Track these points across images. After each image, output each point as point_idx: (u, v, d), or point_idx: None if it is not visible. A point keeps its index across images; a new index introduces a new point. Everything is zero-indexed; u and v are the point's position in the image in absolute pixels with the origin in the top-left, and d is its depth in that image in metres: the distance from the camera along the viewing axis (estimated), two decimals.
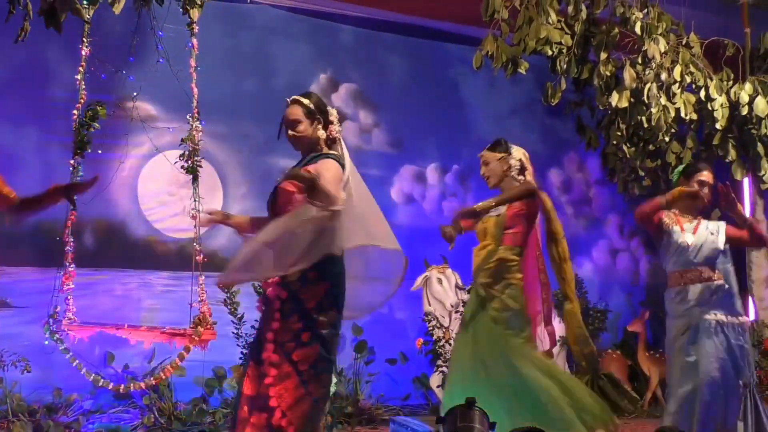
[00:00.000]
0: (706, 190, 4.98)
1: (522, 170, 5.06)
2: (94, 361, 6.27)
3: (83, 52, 6.00)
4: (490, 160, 5.21)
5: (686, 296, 4.90)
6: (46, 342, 5.96)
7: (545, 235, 5.00)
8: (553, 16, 6.63)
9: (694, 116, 7.23)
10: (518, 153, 5.13)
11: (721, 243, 4.91)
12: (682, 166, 5.23)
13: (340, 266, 3.93)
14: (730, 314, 4.86)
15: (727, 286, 4.90)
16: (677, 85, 7.05)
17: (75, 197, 4.01)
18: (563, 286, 5.01)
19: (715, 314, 4.86)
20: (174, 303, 6.86)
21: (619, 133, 7.26)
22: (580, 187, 9.81)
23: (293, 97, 4.24)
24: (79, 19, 5.44)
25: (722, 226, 5.00)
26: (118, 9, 5.50)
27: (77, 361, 5.92)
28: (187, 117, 6.28)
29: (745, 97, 7.28)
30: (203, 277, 6.24)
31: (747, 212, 8.09)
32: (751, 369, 4.87)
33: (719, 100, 7.25)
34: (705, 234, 4.93)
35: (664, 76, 6.97)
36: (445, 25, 8.90)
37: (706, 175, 5.02)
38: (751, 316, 8.06)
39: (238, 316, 6.65)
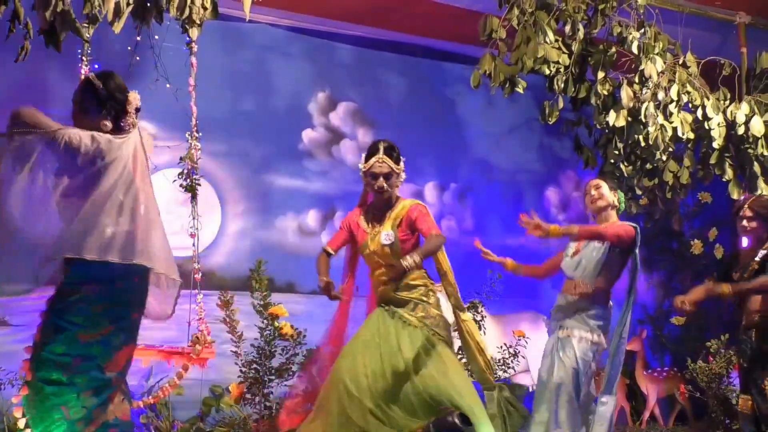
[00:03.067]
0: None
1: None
2: None
3: (83, 71, 6.02)
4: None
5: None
6: None
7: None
8: (551, 36, 6.66)
9: (691, 135, 7.24)
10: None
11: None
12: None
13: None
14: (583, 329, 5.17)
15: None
16: (674, 104, 7.07)
17: None
18: (456, 298, 5.04)
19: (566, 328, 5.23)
20: (172, 321, 6.81)
21: (616, 152, 7.27)
22: (577, 205, 9.82)
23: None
24: (79, 38, 5.46)
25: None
26: (117, 28, 5.51)
27: None
28: (186, 135, 6.29)
29: (741, 117, 7.30)
30: (201, 296, 6.23)
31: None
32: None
33: (716, 120, 7.27)
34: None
35: (661, 95, 7.00)
36: (443, 44, 8.95)
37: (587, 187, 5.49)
38: None
39: (237, 334, 6.64)
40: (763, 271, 5.29)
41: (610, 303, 5.33)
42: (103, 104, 4.06)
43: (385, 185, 4.84)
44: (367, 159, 4.86)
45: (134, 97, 4.15)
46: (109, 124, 4.03)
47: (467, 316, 5.08)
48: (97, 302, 3.82)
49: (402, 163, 4.93)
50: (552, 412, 5.13)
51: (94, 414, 3.79)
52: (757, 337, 5.41)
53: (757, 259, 5.34)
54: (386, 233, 4.82)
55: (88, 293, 3.82)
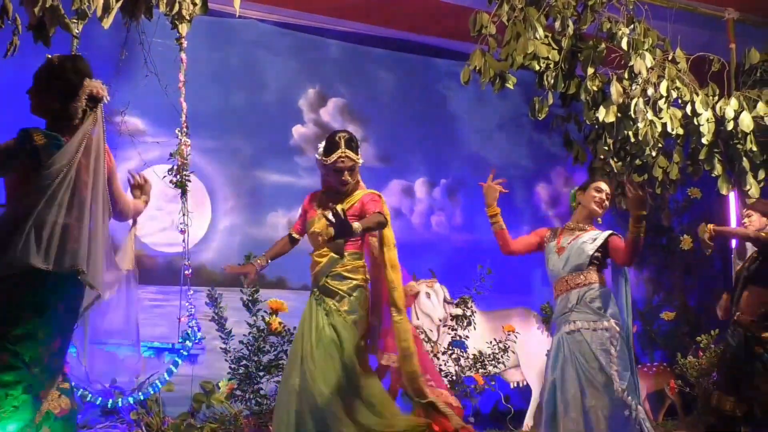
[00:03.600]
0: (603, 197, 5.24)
1: None
2: (80, 377, 6.25)
3: None
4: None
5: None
6: None
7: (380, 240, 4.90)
8: (541, 32, 6.66)
9: (681, 131, 7.26)
10: None
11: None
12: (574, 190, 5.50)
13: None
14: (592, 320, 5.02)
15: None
16: (663, 100, 7.09)
17: None
18: (392, 294, 4.81)
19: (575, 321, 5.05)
20: (162, 317, 6.85)
21: (606, 148, 7.28)
22: (567, 201, 9.83)
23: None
24: (68, 33, 5.44)
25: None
26: (107, 24, 5.49)
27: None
28: (176, 131, 6.28)
29: (730, 113, 7.32)
30: (192, 292, 6.22)
31: (733, 227, 8.15)
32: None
33: (705, 116, 7.28)
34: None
35: (650, 91, 7.01)
36: (432, 40, 8.95)
37: (604, 186, 5.31)
38: None
39: (226, 330, 6.64)
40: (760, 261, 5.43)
41: (606, 287, 5.21)
42: (51, 83, 3.89)
43: (349, 178, 4.82)
44: (328, 153, 4.81)
45: (91, 85, 3.88)
46: (55, 105, 3.85)
47: (400, 317, 4.80)
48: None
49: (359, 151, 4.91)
50: (585, 419, 4.91)
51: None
52: (748, 337, 5.46)
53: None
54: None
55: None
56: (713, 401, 5.80)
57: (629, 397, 4.86)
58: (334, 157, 4.78)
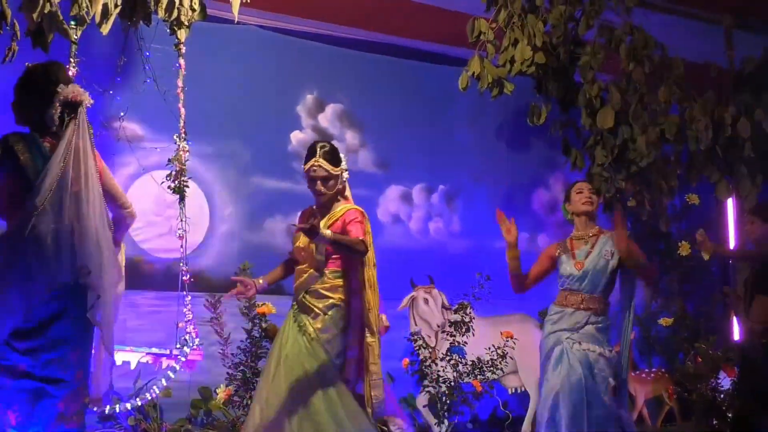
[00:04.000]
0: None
1: None
2: None
3: (70, 72, 6.00)
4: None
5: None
6: None
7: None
8: (539, 38, 6.67)
9: (679, 137, 7.27)
10: None
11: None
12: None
13: None
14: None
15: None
16: (661, 106, 7.09)
17: None
18: (367, 315, 4.76)
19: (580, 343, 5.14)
20: (160, 323, 6.84)
21: (604, 154, 7.28)
22: None
23: None
24: (67, 39, 5.44)
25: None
26: (105, 30, 5.50)
27: None
28: (174, 137, 6.28)
29: (728, 119, 7.33)
30: (189, 297, 6.22)
31: (732, 233, 8.17)
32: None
33: (703, 122, 7.29)
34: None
35: (648, 97, 7.02)
36: (431, 46, 8.96)
37: (583, 185, 5.44)
38: (736, 336, 8.10)
39: (225, 336, 6.63)
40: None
41: (608, 318, 5.36)
42: (25, 93, 3.84)
43: (322, 189, 4.75)
44: (305, 161, 4.80)
45: (66, 91, 3.83)
46: (34, 114, 3.82)
47: (371, 339, 4.79)
48: None
49: (343, 164, 4.85)
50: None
51: None
52: (765, 344, 5.50)
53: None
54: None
55: None
56: (740, 412, 5.81)
57: (624, 411, 5.14)
58: (307, 165, 4.77)
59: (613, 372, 5.19)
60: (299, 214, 5.07)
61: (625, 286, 5.40)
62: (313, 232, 4.34)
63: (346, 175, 4.87)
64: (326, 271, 4.72)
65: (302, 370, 4.59)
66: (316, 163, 4.72)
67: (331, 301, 4.71)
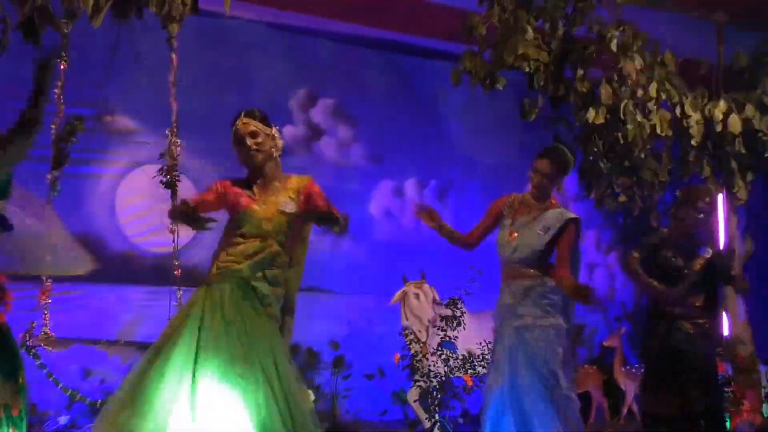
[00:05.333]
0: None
1: None
2: (70, 376, 6.24)
3: (61, 66, 5.99)
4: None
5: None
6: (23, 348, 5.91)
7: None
8: (530, 33, 6.69)
9: (670, 133, 7.29)
10: None
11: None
12: None
13: None
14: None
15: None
16: (653, 102, 7.11)
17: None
18: (291, 294, 4.38)
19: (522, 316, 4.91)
20: (152, 318, 6.84)
21: (595, 149, 7.30)
22: (557, 202, 9.86)
23: None
24: (58, 33, 5.43)
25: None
26: (97, 23, 5.49)
27: (53, 377, 5.89)
28: (166, 131, 6.27)
29: (719, 115, 7.35)
30: (181, 292, 6.22)
31: (721, 228, 8.19)
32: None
33: (694, 117, 7.32)
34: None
35: (639, 93, 7.04)
36: (423, 41, 8.96)
37: (541, 164, 5.18)
38: (725, 332, 8.13)
39: None
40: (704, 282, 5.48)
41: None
42: None
43: (254, 144, 4.33)
44: (231, 127, 4.44)
45: None
46: None
47: (288, 318, 4.39)
48: None
49: (275, 130, 4.42)
50: (523, 414, 4.84)
51: None
52: (686, 338, 5.51)
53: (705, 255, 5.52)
54: (285, 200, 4.30)
55: None
56: (649, 407, 5.75)
57: (573, 394, 4.87)
58: (234, 127, 4.43)
59: (557, 344, 4.90)
60: (217, 183, 4.53)
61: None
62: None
63: (280, 142, 4.43)
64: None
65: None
66: (242, 121, 4.39)
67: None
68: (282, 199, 4.30)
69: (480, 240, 5.25)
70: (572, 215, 5.11)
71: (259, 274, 4.19)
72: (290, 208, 4.29)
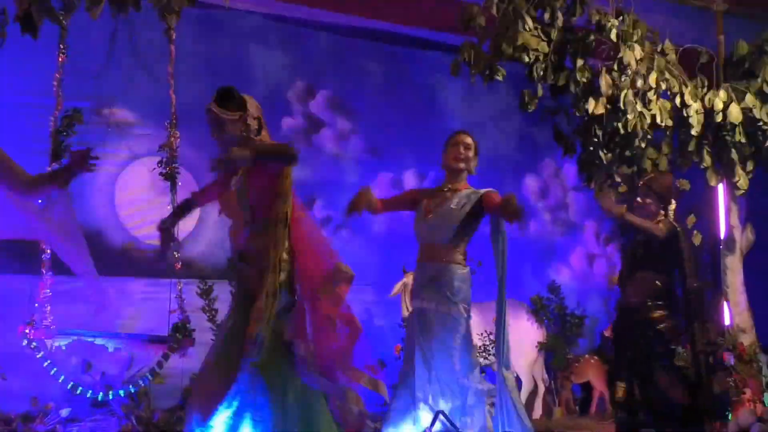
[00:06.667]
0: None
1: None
2: (71, 369, 6.23)
3: (60, 59, 5.97)
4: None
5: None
6: (24, 343, 5.91)
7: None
8: (530, 23, 6.67)
9: (670, 122, 7.28)
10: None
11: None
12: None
13: None
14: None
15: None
16: (653, 91, 7.10)
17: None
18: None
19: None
20: (152, 310, 6.83)
21: (595, 140, 7.29)
22: (556, 193, 9.86)
23: None
24: (56, 25, 5.42)
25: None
26: (95, 15, 5.47)
27: (54, 369, 5.88)
28: (165, 124, 6.26)
29: (719, 104, 7.34)
30: (181, 285, 6.21)
31: (722, 218, 8.18)
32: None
33: (694, 107, 7.31)
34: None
35: (639, 83, 7.02)
36: (422, 32, 8.92)
37: (462, 137, 5.12)
38: (726, 321, 8.12)
39: (217, 323, 6.62)
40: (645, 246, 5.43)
41: (467, 266, 5.10)
42: None
43: (214, 136, 4.34)
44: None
45: None
46: None
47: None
48: None
49: (251, 110, 4.42)
50: (427, 398, 4.81)
51: None
52: (634, 322, 5.49)
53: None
54: (237, 177, 4.29)
55: None
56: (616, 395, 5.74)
57: (466, 379, 4.83)
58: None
59: (462, 327, 4.92)
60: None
61: (495, 237, 5.15)
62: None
63: (253, 123, 4.41)
64: None
65: None
66: (208, 108, 4.33)
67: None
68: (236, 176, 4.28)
69: (386, 208, 5.20)
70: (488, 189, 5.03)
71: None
72: (237, 184, 4.29)
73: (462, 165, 5.07)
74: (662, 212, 5.51)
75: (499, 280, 5.09)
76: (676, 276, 5.57)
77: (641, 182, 5.58)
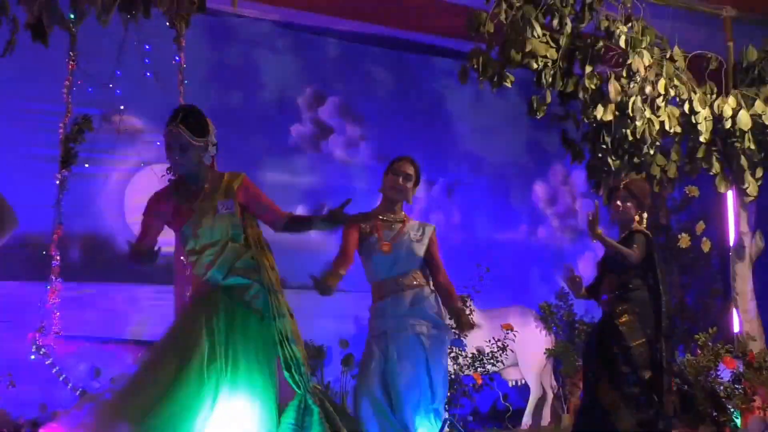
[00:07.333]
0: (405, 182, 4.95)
1: None
2: (80, 376, 6.24)
3: (69, 66, 5.99)
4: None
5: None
6: (33, 356, 5.92)
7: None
8: (539, 30, 6.68)
9: (678, 129, 7.27)
10: None
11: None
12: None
13: None
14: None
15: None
16: (661, 98, 7.10)
17: None
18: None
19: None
20: (161, 317, 6.82)
21: (604, 146, 7.29)
22: (565, 199, 9.85)
23: None
24: (66, 32, 5.44)
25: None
26: (105, 23, 5.49)
27: (63, 376, 5.90)
28: None
29: (728, 111, 7.33)
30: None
31: (731, 225, 8.17)
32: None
33: (703, 114, 7.30)
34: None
35: (648, 89, 7.02)
36: (431, 39, 8.94)
37: (404, 166, 5.03)
38: (736, 329, 8.11)
39: None
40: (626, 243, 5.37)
41: (430, 286, 4.96)
42: None
43: (179, 159, 4.18)
44: (166, 125, 4.20)
45: None
46: None
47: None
48: None
49: (211, 136, 4.26)
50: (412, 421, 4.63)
51: None
52: (605, 318, 5.46)
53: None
54: (222, 202, 4.23)
55: None
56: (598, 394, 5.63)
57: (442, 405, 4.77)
58: (166, 129, 4.20)
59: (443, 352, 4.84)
60: (149, 204, 4.46)
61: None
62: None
63: (213, 149, 4.32)
64: None
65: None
66: (174, 129, 4.14)
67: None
68: (219, 201, 4.27)
69: (348, 263, 4.91)
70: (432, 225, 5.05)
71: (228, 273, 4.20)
72: (227, 209, 4.27)
73: (398, 196, 4.95)
74: (637, 218, 5.45)
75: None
76: (650, 280, 5.50)
77: (622, 184, 5.52)
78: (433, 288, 4.91)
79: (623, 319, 5.34)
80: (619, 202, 5.48)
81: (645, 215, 5.49)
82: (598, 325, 5.63)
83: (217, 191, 4.28)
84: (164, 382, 3.84)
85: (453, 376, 7.20)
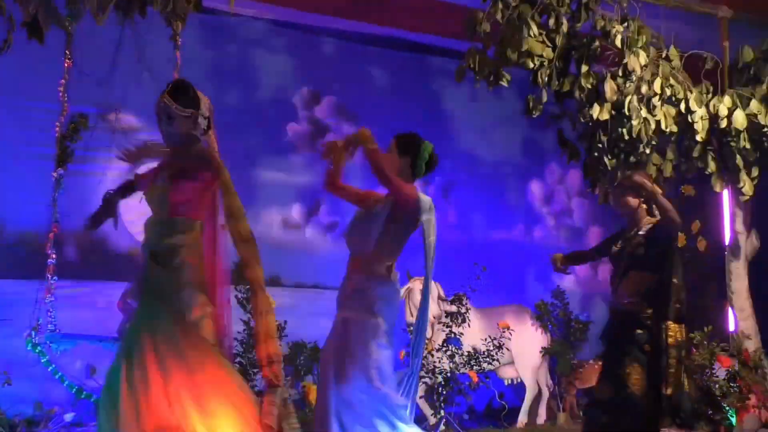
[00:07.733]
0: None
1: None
2: (76, 374, 6.24)
3: (66, 64, 6.00)
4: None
5: None
6: (29, 348, 5.92)
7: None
8: (535, 29, 6.68)
9: (674, 128, 7.28)
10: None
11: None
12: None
13: None
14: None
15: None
16: (657, 97, 7.10)
17: None
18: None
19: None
20: None
21: (600, 145, 7.29)
22: (561, 198, 9.86)
23: None
24: (62, 30, 5.43)
25: None
26: (101, 21, 5.49)
27: (59, 374, 5.90)
28: None
29: (724, 110, 7.34)
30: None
31: (727, 224, 8.18)
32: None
33: (699, 113, 7.30)
34: None
35: (644, 88, 7.03)
36: (427, 38, 8.95)
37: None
38: (731, 327, 8.12)
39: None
40: (646, 246, 5.35)
41: (393, 279, 4.95)
42: None
43: (165, 128, 4.26)
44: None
45: None
46: None
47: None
48: None
49: (202, 109, 4.36)
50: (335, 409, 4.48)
51: None
52: (621, 322, 5.45)
53: (641, 233, 5.38)
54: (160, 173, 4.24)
55: None
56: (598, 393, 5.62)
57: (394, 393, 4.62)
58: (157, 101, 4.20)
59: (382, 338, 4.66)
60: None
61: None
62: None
63: (202, 122, 4.37)
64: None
65: None
66: (163, 98, 4.22)
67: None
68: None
69: (342, 192, 5.09)
70: None
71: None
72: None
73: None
74: (644, 206, 5.41)
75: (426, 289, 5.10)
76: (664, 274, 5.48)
77: (615, 184, 5.57)
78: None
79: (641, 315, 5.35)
80: (618, 201, 5.49)
81: (654, 204, 5.37)
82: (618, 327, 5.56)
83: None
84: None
85: (449, 374, 7.22)
